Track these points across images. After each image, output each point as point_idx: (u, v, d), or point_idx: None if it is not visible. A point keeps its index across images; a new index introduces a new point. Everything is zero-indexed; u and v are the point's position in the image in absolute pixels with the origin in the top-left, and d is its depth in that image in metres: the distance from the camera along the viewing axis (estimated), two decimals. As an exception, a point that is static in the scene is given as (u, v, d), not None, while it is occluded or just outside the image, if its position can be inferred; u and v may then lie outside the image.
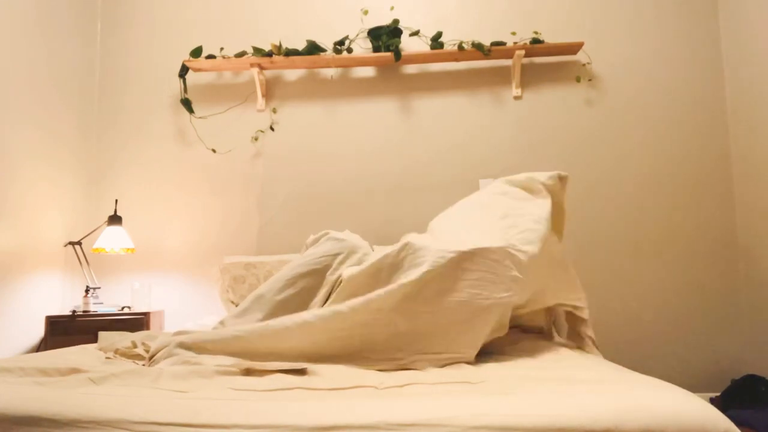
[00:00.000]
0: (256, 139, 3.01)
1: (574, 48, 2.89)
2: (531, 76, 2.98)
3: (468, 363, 1.43)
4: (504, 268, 1.53)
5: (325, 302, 1.68)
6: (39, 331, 2.61)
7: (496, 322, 1.52)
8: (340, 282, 1.70)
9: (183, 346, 1.44)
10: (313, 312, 1.48)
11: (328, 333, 1.44)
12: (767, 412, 2.28)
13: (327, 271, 1.76)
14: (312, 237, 2.03)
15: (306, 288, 1.73)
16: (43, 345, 2.54)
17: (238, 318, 1.70)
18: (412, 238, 1.66)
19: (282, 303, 1.69)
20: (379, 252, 1.68)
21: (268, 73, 3.05)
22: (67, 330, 2.51)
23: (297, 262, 1.82)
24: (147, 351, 1.63)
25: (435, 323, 1.47)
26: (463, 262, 1.52)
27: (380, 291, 1.47)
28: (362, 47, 3.01)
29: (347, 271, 1.69)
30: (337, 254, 1.79)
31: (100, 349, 1.71)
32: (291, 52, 2.91)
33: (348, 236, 1.92)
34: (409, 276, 1.49)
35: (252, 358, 1.41)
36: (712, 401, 2.52)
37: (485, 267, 1.52)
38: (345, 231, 2.08)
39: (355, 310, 1.44)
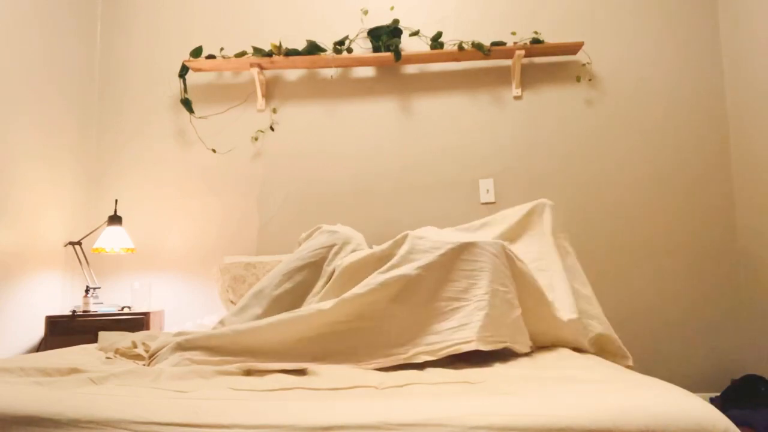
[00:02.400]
0: (256, 139, 3.02)
1: (574, 48, 2.89)
2: (531, 76, 2.98)
3: (472, 359, 1.43)
4: (501, 263, 1.54)
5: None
6: (39, 331, 2.61)
7: (502, 316, 1.50)
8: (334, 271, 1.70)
9: (181, 347, 1.44)
10: (313, 306, 1.48)
11: (327, 326, 1.44)
12: (767, 412, 2.29)
13: (323, 264, 1.77)
14: (304, 234, 2.05)
15: (303, 281, 1.74)
16: (43, 345, 2.54)
17: (237, 315, 1.70)
18: (413, 231, 1.67)
19: (279, 297, 1.70)
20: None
21: (268, 73, 3.05)
22: (67, 330, 2.51)
23: (293, 256, 1.82)
24: (147, 351, 1.63)
25: (433, 314, 1.47)
26: (461, 253, 1.53)
27: (374, 280, 1.47)
28: (362, 47, 3.01)
29: (348, 258, 1.70)
30: (332, 245, 1.80)
31: (100, 349, 1.71)
32: (291, 52, 2.91)
33: (340, 228, 1.93)
34: (407, 267, 1.49)
35: (252, 355, 1.41)
36: (712, 401, 2.53)
37: (484, 258, 1.53)
38: (337, 224, 2.08)
39: (351, 302, 1.44)
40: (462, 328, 1.43)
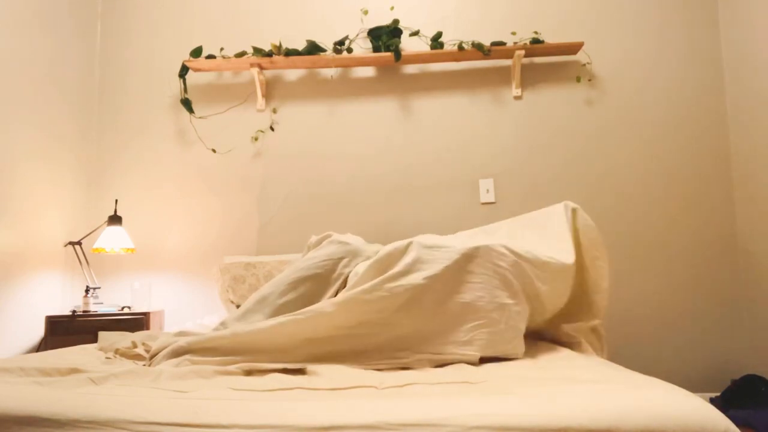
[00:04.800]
0: (256, 139, 3.02)
1: (574, 48, 2.89)
2: (531, 76, 2.98)
3: (469, 363, 1.43)
4: (506, 271, 1.53)
5: None
6: (39, 331, 2.61)
7: (506, 331, 1.50)
8: (346, 281, 1.70)
9: (177, 353, 1.43)
10: (312, 308, 1.47)
11: (328, 330, 1.44)
12: (767, 412, 2.29)
13: (330, 275, 1.75)
14: (314, 238, 2.02)
15: (307, 292, 1.71)
16: (43, 345, 2.54)
17: (239, 320, 1.70)
18: (419, 237, 1.66)
19: (284, 306, 1.68)
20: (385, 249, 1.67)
21: (268, 73, 3.05)
22: (67, 330, 2.51)
23: (299, 264, 1.80)
24: (147, 351, 1.63)
25: (438, 324, 1.46)
26: (468, 264, 1.51)
27: (381, 289, 1.46)
28: (362, 47, 3.01)
29: (359, 267, 1.69)
30: (341, 258, 1.78)
31: (100, 349, 1.71)
32: (291, 52, 2.91)
33: (351, 239, 1.90)
34: (414, 277, 1.48)
35: (252, 355, 1.41)
36: (712, 401, 2.53)
37: (488, 271, 1.51)
38: (347, 234, 2.06)
39: (357, 307, 1.44)
40: (467, 345, 1.43)
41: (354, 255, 1.78)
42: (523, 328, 1.51)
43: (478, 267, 1.51)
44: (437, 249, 1.56)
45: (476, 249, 1.54)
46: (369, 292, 1.46)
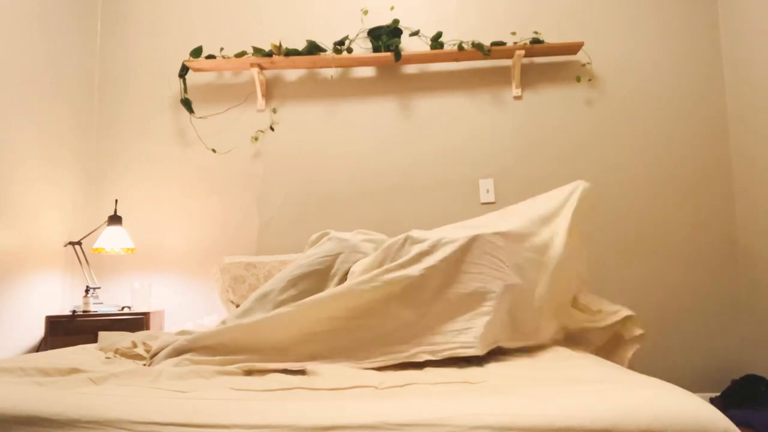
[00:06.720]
0: (256, 139, 3.02)
1: (574, 48, 2.89)
2: (531, 76, 2.98)
3: (471, 358, 1.43)
4: (505, 261, 1.54)
5: None
6: (39, 331, 2.61)
7: (507, 320, 1.51)
8: (344, 277, 1.70)
9: (177, 352, 1.43)
10: (309, 298, 1.48)
11: (327, 322, 1.44)
12: (767, 412, 2.29)
13: (329, 272, 1.76)
14: (314, 236, 2.04)
15: (307, 289, 1.72)
16: (43, 345, 2.54)
17: (240, 319, 1.70)
18: (415, 231, 1.67)
19: (284, 303, 1.68)
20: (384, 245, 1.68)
21: (268, 73, 3.05)
22: (67, 330, 2.51)
23: (298, 262, 1.81)
24: (147, 351, 1.63)
25: (436, 315, 1.47)
26: (465, 255, 1.52)
27: (378, 279, 1.47)
28: (362, 47, 3.01)
29: (356, 266, 1.70)
30: (339, 254, 1.79)
31: (100, 349, 1.71)
32: (291, 52, 2.91)
33: (349, 236, 1.91)
34: (412, 268, 1.49)
35: (252, 353, 1.41)
36: (712, 401, 2.53)
37: (485, 261, 1.52)
38: (345, 232, 2.07)
39: (355, 298, 1.44)
40: (465, 332, 1.43)
41: (351, 251, 1.80)
42: (522, 316, 1.51)
43: (476, 257, 1.52)
44: (434, 241, 1.56)
45: (473, 239, 1.55)
46: (366, 283, 1.46)
